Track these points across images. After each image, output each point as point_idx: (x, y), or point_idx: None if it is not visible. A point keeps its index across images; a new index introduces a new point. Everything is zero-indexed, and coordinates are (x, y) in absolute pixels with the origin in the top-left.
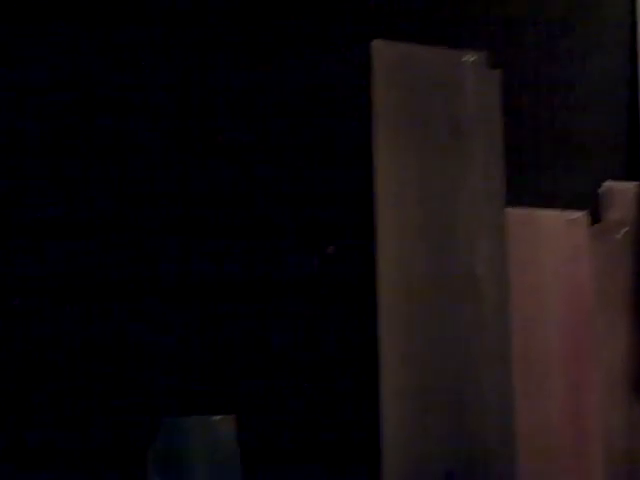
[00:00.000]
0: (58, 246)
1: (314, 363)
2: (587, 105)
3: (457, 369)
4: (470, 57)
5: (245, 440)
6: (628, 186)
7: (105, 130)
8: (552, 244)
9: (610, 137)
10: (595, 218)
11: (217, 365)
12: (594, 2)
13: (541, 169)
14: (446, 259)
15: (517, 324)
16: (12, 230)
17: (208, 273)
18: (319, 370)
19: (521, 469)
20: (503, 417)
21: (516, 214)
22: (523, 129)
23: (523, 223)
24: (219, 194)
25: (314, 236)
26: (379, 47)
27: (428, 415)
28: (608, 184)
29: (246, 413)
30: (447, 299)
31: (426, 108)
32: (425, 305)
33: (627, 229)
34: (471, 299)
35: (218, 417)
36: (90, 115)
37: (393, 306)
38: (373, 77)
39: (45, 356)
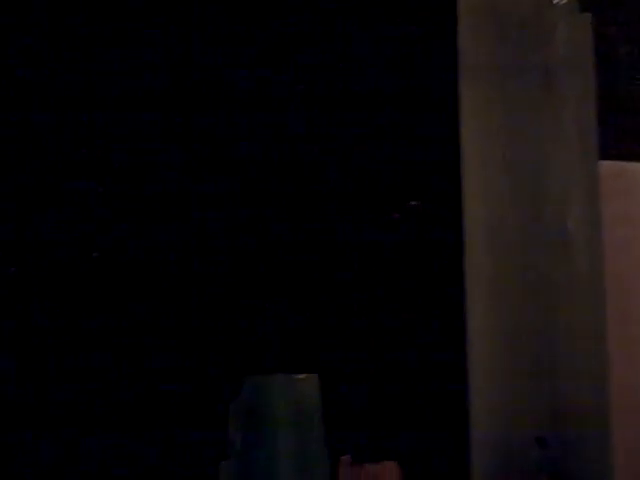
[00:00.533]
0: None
1: (397, 324)
2: None
3: (547, 329)
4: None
5: (328, 398)
6: None
7: None
8: None
9: None
10: None
11: (302, 323)
12: None
13: (636, 119)
14: (536, 214)
15: (610, 282)
16: None
17: (297, 235)
18: (403, 330)
19: (614, 432)
20: (596, 379)
21: (610, 167)
22: (617, 77)
23: (617, 176)
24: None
25: (398, 192)
26: None
27: (517, 377)
28: None
29: (329, 371)
30: (537, 256)
31: (514, 55)
32: (513, 262)
33: None
34: (562, 255)
35: (301, 375)
36: None
37: (480, 264)
38: (458, 21)
39: (133, 313)
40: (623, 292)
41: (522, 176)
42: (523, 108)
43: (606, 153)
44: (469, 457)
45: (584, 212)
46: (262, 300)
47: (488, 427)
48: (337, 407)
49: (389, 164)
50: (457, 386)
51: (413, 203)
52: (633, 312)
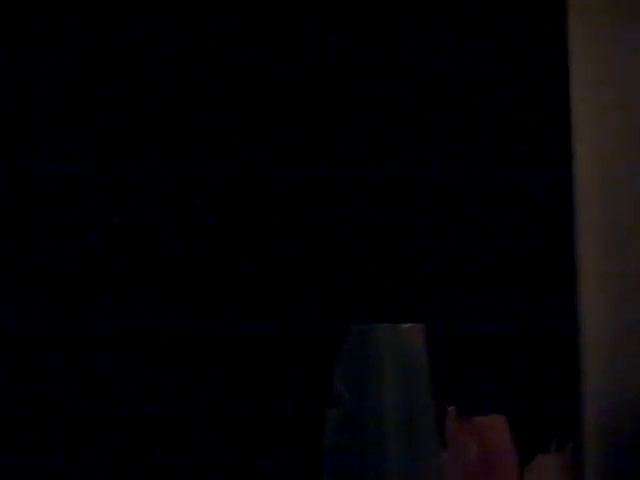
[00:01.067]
0: None
1: (506, 274)
2: None
3: None
4: None
5: (434, 349)
6: None
7: None
8: None
9: None
10: None
11: (408, 273)
12: None
13: None
14: None
15: None
16: None
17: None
18: (512, 280)
19: None
20: None
21: None
22: None
23: None
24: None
25: (505, 138)
26: None
27: (630, 327)
28: None
29: (436, 321)
30: None
31: None
32: (626, 201)
33: None
34: None
35: (407, 325)
36: None
37: (591, 203)
38: None
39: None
40: None
41: (635, 115)
42: (635, 46)
43: None
44: (580, 409)
45: None
46: (370, 251)
47: (600, 379)
48: (444, 357)
49: (498, 106)
50: (569, 338)
51: (522, 148)
52: None
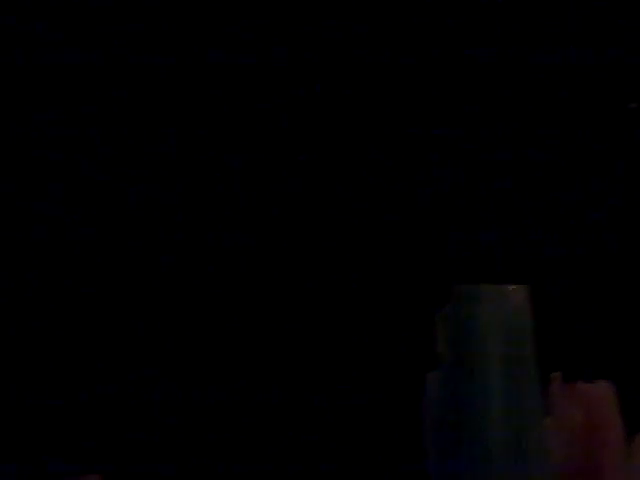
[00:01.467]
0: None
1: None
2: None
3: None
4: None
5: (539, 312)
6: None
7: None
8: None
9: None
10: None
11: (513, 236)
12: None
13: None
14: None
15: None
16: None
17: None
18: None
19: None
20: None
21: None
22: None
23: None
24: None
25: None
26: None
27: None
28: None
29: (541, 283)
30: None
31: None
32: None
33: None
34: None
35: (512, 286)
36: None
37: None
38: None
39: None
40: None
41: None
42: None
43: None
44: None
45: None
46: (477, 212)
47: None
48: (550, 321)
49: (609, 65)
50: None
51: (633, 105)
52: None
